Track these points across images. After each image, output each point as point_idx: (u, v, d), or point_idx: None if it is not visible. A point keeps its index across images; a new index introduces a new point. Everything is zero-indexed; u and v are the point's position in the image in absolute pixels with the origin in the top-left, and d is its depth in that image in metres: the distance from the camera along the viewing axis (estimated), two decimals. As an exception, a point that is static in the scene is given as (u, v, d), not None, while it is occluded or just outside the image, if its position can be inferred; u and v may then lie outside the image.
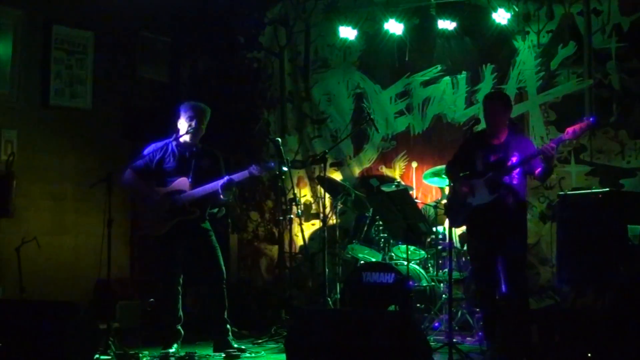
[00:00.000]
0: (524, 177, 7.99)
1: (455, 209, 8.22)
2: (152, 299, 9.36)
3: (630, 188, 9.68)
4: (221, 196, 8.45)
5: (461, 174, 8.08)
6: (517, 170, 7.83)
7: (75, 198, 10.47)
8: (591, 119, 7.62)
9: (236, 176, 8.42)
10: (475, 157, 8.03)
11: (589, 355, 6.08)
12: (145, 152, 8.60)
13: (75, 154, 10.57)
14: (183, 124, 8.56)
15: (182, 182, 8.46)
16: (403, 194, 9.54)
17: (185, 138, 8.54)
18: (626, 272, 7.56)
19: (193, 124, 8.51)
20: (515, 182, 7.86)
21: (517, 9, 10.56)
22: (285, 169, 9.59)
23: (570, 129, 7.61)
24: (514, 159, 7.78)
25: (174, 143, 8.59)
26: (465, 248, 9.69)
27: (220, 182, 8.36)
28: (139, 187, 8.61)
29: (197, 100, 8.85)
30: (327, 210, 10.38)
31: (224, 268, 8.62)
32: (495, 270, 7.97)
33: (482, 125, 10.18)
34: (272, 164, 8.71)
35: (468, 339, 9.04)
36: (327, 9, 12.00)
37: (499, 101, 8.20)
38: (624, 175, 9.86)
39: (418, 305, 9.45)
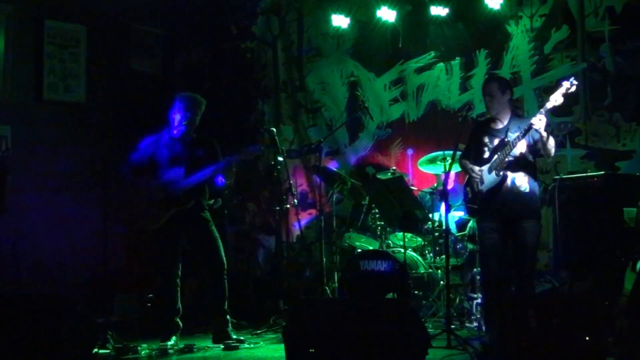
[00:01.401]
0: (532, 157, 7.94)
1: (469, 198, 8.21)
2: (151, 295, 9.36)
3: (625, 171, 9.67)
4: (221, 179, 8.42)
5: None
6: (524, 150, 7.79)
7: (71, 192, 10.46)
8: (568, 81, 7.62)
9: (231, 157, 8.40)
10: (482, 146, 8.03)
11: (587, 339, 6.08)
12: (140, 146, 8.57)
13: (70, 148, 10.55)
14: (177, 116, 8.54)
15: (176, 173, 8.44)
16: (399, 182, 9.53)
17: (180, 129, 8.52)
18: (622, 255, 7.56)
19: (188, 115, 8.49)
20: (521, 162, 7.82)
21: (509, -7, 10.59)
22: (280, 159, 9.59)
23: (551, 96, 7.61)
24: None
25: (168, 135, 8.57)
26: (461, 233, 9.75)
27: (216, 165, 8.35)
28: (135, 183, 8.58)
29: (192, 92, 8.81)
30: (324, 199, 10.37)
31: (224, 259, 8.61)
32: (504, 256, 7.94)
33: (477, 111, 10.29)
34: (256, 147, 8.66)
35: (467, 325, 9.05)
36: (319, -2, 12.03)
37: (494, 83, 8.16)
38: (619, 158, 9.85)
39: (416, 292, 9.45)
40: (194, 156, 8.51)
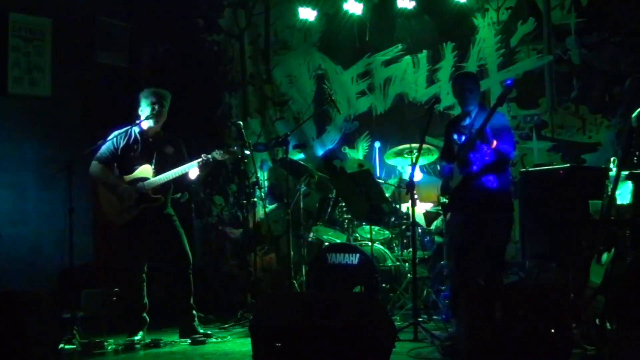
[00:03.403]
0: (498, 154, 7.88)
1: (444, 194, 8.24)
2: (116, 289, 9.32)
3: (591, 163, 9.74)
4: (195, 172, 8.38)
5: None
6: (487, 146, 7.77)
7: (36, 187, 10.41)
8: (506, 83, 7.67)
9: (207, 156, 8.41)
10: (452, 143, 8.05)
11: (552, 330, 6.11)
12: (109, 140, 8.50)
13: (36, 142, 10.51)
14: (145, 111, 8.49)
15: (145, 170, 8.40)
16: (365, 175, 9.53)
17: (149, 124, 8.46)
18: (588, 247, 7.59)
19: (156, 107, 8.44)
20: (488, 160, 7.78)
21: (475, -14, 10.62)
22: (247, 152, 9.57)
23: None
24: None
25: (137, 130, 8.52)
26: (430, 227, 9.80)
27: (196, 161, 8.32)
28: (107, 178, 8.50)
29: (158, 85, 8.77)
30: (291, 192, 10.35)
31: (189, 253, 8.59)
32: (474, 250, 7.94)
33: (443, 104, 10.32)
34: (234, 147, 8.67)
35: (434, 317, 9.07)
36: (286, -10, 11.99)
37: (473, 79, 8.16)
38: (585, 150, 9.91)
39: (383, 285, 9.46)
40: (162, 153, 8.48)
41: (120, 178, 8.44)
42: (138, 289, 8.50)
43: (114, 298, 9.29)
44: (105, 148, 8.49)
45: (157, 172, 8.40)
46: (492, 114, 7.48)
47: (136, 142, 8.50)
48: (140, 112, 8.53)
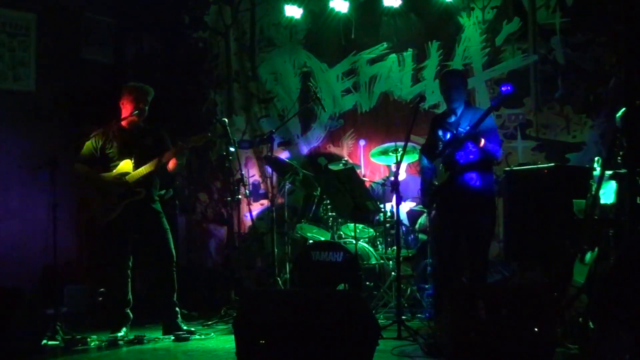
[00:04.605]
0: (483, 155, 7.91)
1: (424, 189, 8.24)
2: (102, 289, 9.30)
3: (575, 162, 9.76)
4: (176, 162, 8.36)
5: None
6: (474, 149, 7.77)
7: (20, 183, 10.35)
8: (503, 89, 7.66)
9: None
10: (437, 139, 8.05)
11: (536, 329, 6.12)
12: (89, 139, 8.47)
13: (20, 137, 10.44)
14: (127, 106, 8.47)
15: (126, 164, 8.38)
16: (350, 173, 9.53)
17: (130, 120, 8.45)
18: (572, 246, 7.61)
19: (140, 105, 8.43)
20: (472, 158, 7.81)
21: (461, -15, 10.63)
22: (232, 149, 9.55)
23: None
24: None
25: (116, 126, 8.50)
26: (416, 226, 9.81)
27: (171, 150, 8.31)
28: (89, 177, 8.48)
29: (143, 82, 8.75)
30: (275, 190, 10.35)
31: (174, 250, 8.57)
32: (457, 249, 7.95)
33: (428, 103, 10.32)
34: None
35: (418, 315, 9.08)
36: (271, -13, 11.98)
37: (459, 76, 8.18)
38: (569, 150, 9.93)
39: (367, 283, 9.47)
40: (143, 146, 8.45)
41: (101, 175, 8.42)
42: (122, 285, 8.49)
43: (100, 298, 9.28)
44: (85, 148, 8.48)
45: (138, 165, 8.37)
46: (485, 117, 7.52)
47: (115, 139, 8.47)
48: (121, 107, 8.51)
